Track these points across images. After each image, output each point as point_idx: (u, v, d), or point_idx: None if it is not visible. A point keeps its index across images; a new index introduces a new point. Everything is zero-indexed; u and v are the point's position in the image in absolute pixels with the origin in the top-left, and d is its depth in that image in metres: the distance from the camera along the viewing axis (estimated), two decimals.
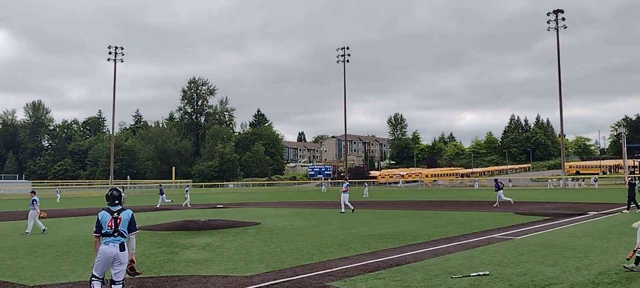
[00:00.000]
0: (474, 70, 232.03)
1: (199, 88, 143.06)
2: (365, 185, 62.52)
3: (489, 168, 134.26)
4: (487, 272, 9.48)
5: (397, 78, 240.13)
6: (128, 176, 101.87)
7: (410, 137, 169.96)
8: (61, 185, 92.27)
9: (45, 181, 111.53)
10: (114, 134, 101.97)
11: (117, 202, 7.04)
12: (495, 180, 32.51)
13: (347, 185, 29.02)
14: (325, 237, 16.09)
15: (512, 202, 31.72)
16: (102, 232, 6.81)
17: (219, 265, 11.23)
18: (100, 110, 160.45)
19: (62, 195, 62.85)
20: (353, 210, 27.06)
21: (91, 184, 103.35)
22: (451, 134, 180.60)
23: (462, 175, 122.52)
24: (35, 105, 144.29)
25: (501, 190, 31.44)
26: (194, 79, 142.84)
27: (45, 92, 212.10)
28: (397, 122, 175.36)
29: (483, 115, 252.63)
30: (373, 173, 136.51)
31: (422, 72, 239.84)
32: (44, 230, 19.15)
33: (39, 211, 19.28)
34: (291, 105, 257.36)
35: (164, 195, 39.13)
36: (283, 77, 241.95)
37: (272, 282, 9.18)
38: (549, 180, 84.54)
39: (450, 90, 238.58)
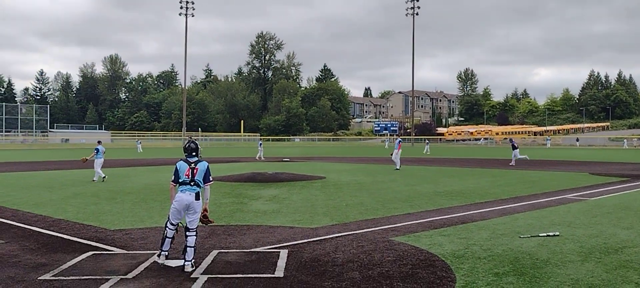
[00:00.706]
0: (551, 22, 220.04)
1: (267, 42, 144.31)
2: (427, 142, 61.36)
3: (564, 127, 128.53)
4: (557, 233, 9.23)
5: (468, 32, 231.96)
6: (199, 128, 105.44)
7: (481, 93, 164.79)
8: (137, 135, 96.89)
9: (123, 132, 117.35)
10: (186, 88, 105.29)
11: (194, 153, 7.36)
12: (511, 140, 34.05)
13: (400, 141, 28.86)
14: (389, 193, 16.14)
15: (527, 157, 34.34)
16: (180, 180, 7.16)
17: (285, 216, 11.57)
18: (172, 64, 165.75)
19: (142, 145, 66.07)
20: (398, 168, 26.77)
21: (165, 136, 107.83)
22: (525, 90, 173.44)
23: (535, 133, 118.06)
24: (112, 59, 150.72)
25: (517, 149, 32.62)
26: (262, 34, 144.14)
27: (122, 46, 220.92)
28: (467, 78, 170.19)
29: (559, 71, 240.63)
30: (440, 129, 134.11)
31: (495, 25, 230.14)
32: (104, 178, 20.15)
33: (103, 160, 20.57)
34: (358, 60, 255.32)
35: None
36: (350, 31, 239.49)
37: (337, 235, 9.37)
38: (625, 140, 79.88)
39: (525, 44, 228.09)
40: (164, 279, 6.51)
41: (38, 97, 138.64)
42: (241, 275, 6.68)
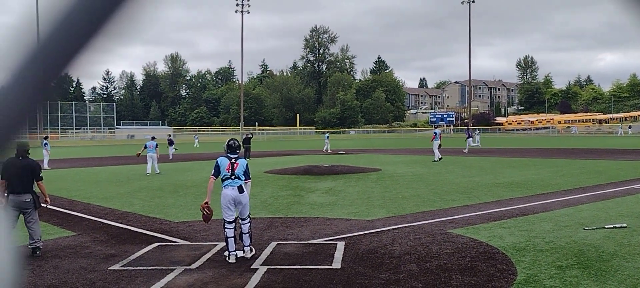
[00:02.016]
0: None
1: (321, 36, 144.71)
2: (477, 132, 58.51)
3: (632, 114, 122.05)
4: (625, 225, 8.85)
5: (526, 18, 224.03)
6: (256, 123, 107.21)
7: (542, 81, 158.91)
8: (198, 132, 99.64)
9: (184, 127, 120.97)
10: (243, 83, 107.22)
11: (237, 151, 7.62)
12: (467, 129, 37.76)
13: (440, 132, 28.30)
14: (446, 184, 15.92)
15: (479, 146, 37.04)
16: (221, 176, 7.37)
17: (341, 208, 11.65)
18: (230, 61, 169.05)
19: (199, 140, 67.93)
20: (436, 160, 26.08)
21: (224, 130, 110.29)
22: (588, 77, 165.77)
23: (600, 121, 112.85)
24: (173, 57, 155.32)
25: (470, 138, 35.99)
26: (316, 27, 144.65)
27: (181, 44, 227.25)
28: (526, 65, 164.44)
29: (626, 56, 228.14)
30: (499, 119, 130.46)
31: (555, 10, 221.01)
32: (158, 173, 21.26)
33: (155, 155, 21.51)
34: (412, 50, 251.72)
35: (172, 146, 35.69)
36: (403, 21, 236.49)
37: (393, 227, 9.36)
38: None
39: (588, 29, 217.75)
40: (226, 270, 6.73)
41: (105, 96, 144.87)
42: (299, 266, 6.80)
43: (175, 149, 36.70)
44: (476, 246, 7.75)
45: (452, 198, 12.86)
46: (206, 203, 7.50)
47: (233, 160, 7.45)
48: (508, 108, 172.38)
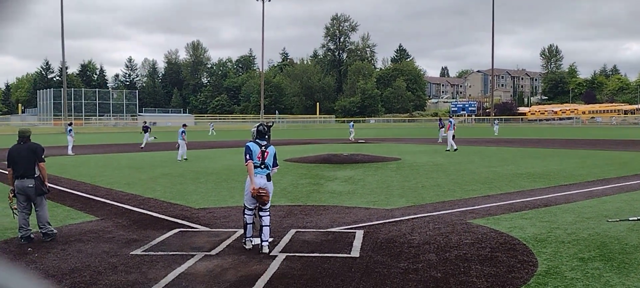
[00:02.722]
0: None
1: (342, 24, 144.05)
2: (495, 123, 57.24)
3: None
4: None
5: (551, 6, 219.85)
6: (276, 111, 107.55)
7: (566, 70, 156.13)
8: (218, 119, 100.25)
9: (205, 115, 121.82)
10: (264, 72, 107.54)
11: (266, 136, 7.46)
12: (439, 119, 36.28)
13: (454, 122, 28.06)
14: (467, 174, 15.79)
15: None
16: (253, 163, 7.23)
17: (361, 197, 11.64)
18: (250, 49, 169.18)
19: (219, 128, 68.34)
20: (449, 149, 26.13)
21: (244, 118, 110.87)
22: (614, 67, 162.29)
23: (626, 112, 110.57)
24: (194, 45, 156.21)
25: (443, 128, 33.43)
26: (337, 16, 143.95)
27: (203, 32, 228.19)
28: (551, 55, 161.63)
29: None
30: (522, 109, 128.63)
31: None
32: (185, 159, 21.72)
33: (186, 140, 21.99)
34: (434, 39, 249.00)
35: (147, 133, 32.75)
36: (425, 10, 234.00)
37: (413, 216, 9.33)
38: None
39: (615, 17, 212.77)
40: (245, 256, 6.79)
41: (127, 83, 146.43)
42: (318, 254, 6.83)
43: (154, 138, 33.93)
44: (496, 237, 7.69)
45: (473, 189, 12.76)
46: (255, 189, 7.12)
47: (263, 148, 7.32)
48: (531, 98, 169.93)
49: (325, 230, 8.33)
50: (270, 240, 7.20)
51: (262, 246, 6.99)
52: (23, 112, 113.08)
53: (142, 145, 31.10)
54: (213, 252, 6.99)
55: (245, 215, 7.26)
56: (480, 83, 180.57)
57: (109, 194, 12.52)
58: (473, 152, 25.23)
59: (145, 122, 36.18)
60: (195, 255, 6.84)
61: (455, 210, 9.88)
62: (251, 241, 7.18)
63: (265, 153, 7.32)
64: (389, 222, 8.85)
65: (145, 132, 32.46)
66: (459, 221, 8.86)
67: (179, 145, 22.07)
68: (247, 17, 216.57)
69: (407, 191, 12.52)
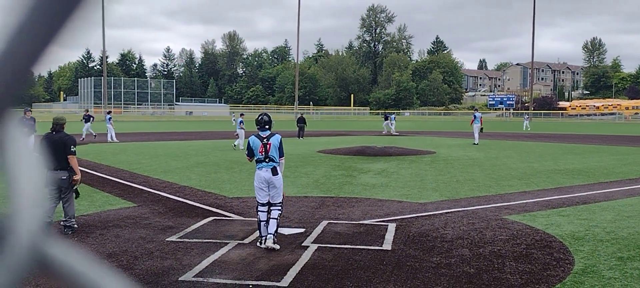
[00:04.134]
0: None
1: (378, 16, 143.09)
2: (526, 118, 54.64)
3: None
4: None
5: None
6: (311, 102, 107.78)
7: (609, 64, 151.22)
8: (233, 110, 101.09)
9: (240, 105, 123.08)
10: (298, 63, 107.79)
11: (267, 127, 7.05)
12: (385, 113, 39.85)
13: (479, 116, 27.57)
14: (503, 169, 15.51)
15: (384, 132, 36.78)
16: (255, 158, 6.97)
17: (394, 190, 11.58)
18: (286, 40, 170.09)
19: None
20: (476, 143, 25.85)
21: (279, 109, 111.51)
22: None
23: None
24: (231, 36, 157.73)
25: (387, 121, 37.25)
26: (373, 7, 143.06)
27: (240, 23, 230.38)
28: (594, 48, 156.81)
29: None
30: (562, 104, 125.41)
31: None
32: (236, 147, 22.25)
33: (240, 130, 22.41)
34: (472, 31, 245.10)
35: (89, 123, 28.07)
36: (464, 1, 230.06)
37: (447, 211, 9.24)
38: None
39: None
40: (278, 245, 6.85)
41: (165, 73, 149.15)
42: (350, 246, 6.84)
43: (95, 136, 27.83)
44: (532, 233, 7.54)
45: (509, 184, 12.53)
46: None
47: (265, 141, 6.92)
48: (572, 92, 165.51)
49: (357, 222, 8.32)
50: (275, 233, 6.79)
51: (266, 238, 6.70)
52: (65, 99, 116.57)
53: (82, 137, 26.73)
54: (246, 241, 7.08)
55: (259, 213, 6.93)
56: (519, 76, 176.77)
57: (146, 181, 12.80)
58: (509, 147, 24.76)
59: (87, 111, 31.66)
60: (228, 243, 6.94)
61: (490, 206, 9.73)
62: (266, 239, 6.79)
63: (268, 146, 6.92)
64: (422, 216, 8.79)
65: (86, 122, 28.00)
66: (493, 217, 8.72)
67: (237, 134, 22.42)
68: (283, 8, 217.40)
69: (441, 185, 12.39)
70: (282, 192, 7.07)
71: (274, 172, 6.91)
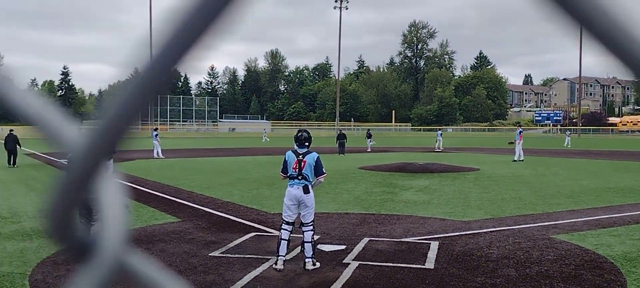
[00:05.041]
0: None
1: (419, 31, 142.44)
2: (567, 134, 52.50)
3: None
4: None
5: None
6: (352, 118, 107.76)
7: None
8: (264, 126, 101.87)
9: (282, 122, 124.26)
10: (339, 79, 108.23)
11: (306, 144, 6.85)
12: (368, 130, 41.48)
13: (520, 132, 26.97)
14: (551, 187, 15.07)
15: (369, 149, 36.74)
16: (288, 174, 6.78)
17: (436, 207, 11.41)
18: (327, 57, 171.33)
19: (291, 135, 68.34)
20: (516, 160, 25.25)
21: (320, 125, 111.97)
22: None
23: None
24: (273, 54, 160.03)
25: (370, 139, 38.92)
26: (415, 23, 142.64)
27: (281, 41, 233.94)
28: None
29: None
30: (612, 119, 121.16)
31: None
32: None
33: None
34: (516, 46, 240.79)
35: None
36: (508, 16, 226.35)
37: (491, 229, 9.03)
38: None
39: None
40: (319, 263, 6.84)
41: (209, 90, 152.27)
42: (391, 264, 6.77)
43: None
44: (581, 254, 7.28)
45: (557, 202, 12.16)
46: None
47: (300, 157, 6.71)
48: (623, 107, 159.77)
49: (398, 239, 8.24)
50: (313, 258, 6.64)
51: (305, 263, 6.56)
52: None
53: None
54: (287, 257, 7.11)
55: (282, 230, 6.71)
56: (566, 91, 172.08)
57: (190, 197, 13.05)
58: (557, 164, 24.05)
59: None
60: (269, 259, 6.98)
61: (537, 225, 9.46)
62: (283, 260, 6.62)
63: (303, 163, 6.68)
64: (466, 234, 8.62)
65: None
66: (541, 236, 8.47)
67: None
68: (324, 26, 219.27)
69: (485, 203, 12.13)
70: (314, 212, 6.82)
71: (306, 190, 6.67)
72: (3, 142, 22.15)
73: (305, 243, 6.61)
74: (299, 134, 6.95)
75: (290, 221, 6.71)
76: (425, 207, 11.52)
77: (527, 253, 7.30)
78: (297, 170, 6.69)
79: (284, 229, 6.71)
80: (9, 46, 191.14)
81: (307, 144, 6.86)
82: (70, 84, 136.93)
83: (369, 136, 40.20)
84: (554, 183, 16.03)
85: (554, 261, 6.90)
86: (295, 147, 6.88)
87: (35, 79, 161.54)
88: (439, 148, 38.25)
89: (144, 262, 0.51)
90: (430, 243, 7.93)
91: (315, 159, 6.76)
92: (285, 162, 6.84)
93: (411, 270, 6.48)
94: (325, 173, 6.95)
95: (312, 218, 6.74)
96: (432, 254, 7.24)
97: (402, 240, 8.21)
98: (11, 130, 22.47)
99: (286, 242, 6.66)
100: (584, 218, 10.10)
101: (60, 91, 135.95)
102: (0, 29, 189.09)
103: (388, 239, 8.25)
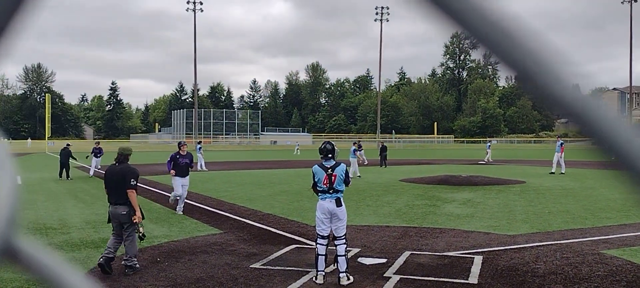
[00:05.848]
0: None
1: (462, 42, 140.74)
2: None
3: None
4: None
5: None
6: (393, 130, 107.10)
7: None
8: (296, 139, 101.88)
9: (323, 134, 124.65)
10: (380, 91, 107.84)
11: (330, 156, 6.77)
12: (359, 141, 34.72)
13: (562, 143, 25.78)
14: (600, 200, 14.52)
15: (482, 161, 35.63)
16: (318, 189, 6.72)
17: (480, 221, 11.17)
18: (368, 69, 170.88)
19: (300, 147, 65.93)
20: (555, 171, 24.44)
21: (361, 138, 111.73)
22: None
23: None
24: (314, 66, 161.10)
25: (361, 150, 32.95)
26: (457, 33, 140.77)
27: (322, 54, 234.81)
28: None
29: None
30: None
31: None
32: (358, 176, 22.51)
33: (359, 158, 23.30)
34: (564, 55, 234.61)
35: (98, 158, 24.23)
36: (552, 24, 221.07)
37: (538, 244, 8.76)
38: None
39: None
40: (359, 276, 6.79)
41: (251, 104, 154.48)
42: (433, 278, 6.65)
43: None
44: (634, 270, 6.97)
45: (607, 216, 11.70)
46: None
47: (330, 171, 6.63)
48: None
49: (441, 253, 8.09)
50: (347, 271, 6.54)
51: (339, 278, 6.45)
52: (159, 130, 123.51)
53: (91, 174, 23.52)
54: (327, 270, 7.08)
55: (318, 245, 6.65)
56: (616, 101, 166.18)
57: (232, 209, 13.21)
58: (606, 177, 23.18)
59: (98, 143, 25.57)
60: (310, 271, 6.97)
61: (586, 239, 9.12)
62: (324, 275, 6.60)
63: (333, 177, 6.62)
64: (511, 249, 8.39)
65: (95, 157, 24.14)
66: (590, 251, 8.16)
67: (350, 162, 22.69)
68: (365, 38, 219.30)
69: (531, 216, 11.79)
70: (346, 224, 6.75)
71: (338, 203, 6.62)
72: (59, 155, 23.03)
73: (338, 257, 6.52)
74: (323, 146, 6.85)
75: (325, 235, 6.66)
76: (468, 220, 11.29)
77: (576, 269, 7.05)
78: (328, 184, 6.64)
79: (319, 244, 6.65)
80: (62, 63, 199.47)
81: (331, 155, 6.78)
82: (118, 98, 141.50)
83: (360, 148, 36.69)
84: (604, 197, 15.45)
85: (604, 277, 6.63)
86: (322, 161, 6.79)
87: (84, 95, 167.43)
88: (488, 160, 37.39)
89: (35, 246, 0.50)
90: (474, 257, 7.75)
91: (344, 171, 6.74)
92: (314, 176, 6.79)
93: (454, 285, 6.34)
94: (349, 184, 6.90)
95: (345, 232, 6.68)
96: (475, 269, 7.08)
97: (445, 254, 8.06)
98: (68, 145, 23.35)
99: (324, 257, 6.61)
100: (637, 232, 9.68)
101: (109, 106, 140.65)
102: (53, 46, 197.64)
103: (430, 253, 8.11)
